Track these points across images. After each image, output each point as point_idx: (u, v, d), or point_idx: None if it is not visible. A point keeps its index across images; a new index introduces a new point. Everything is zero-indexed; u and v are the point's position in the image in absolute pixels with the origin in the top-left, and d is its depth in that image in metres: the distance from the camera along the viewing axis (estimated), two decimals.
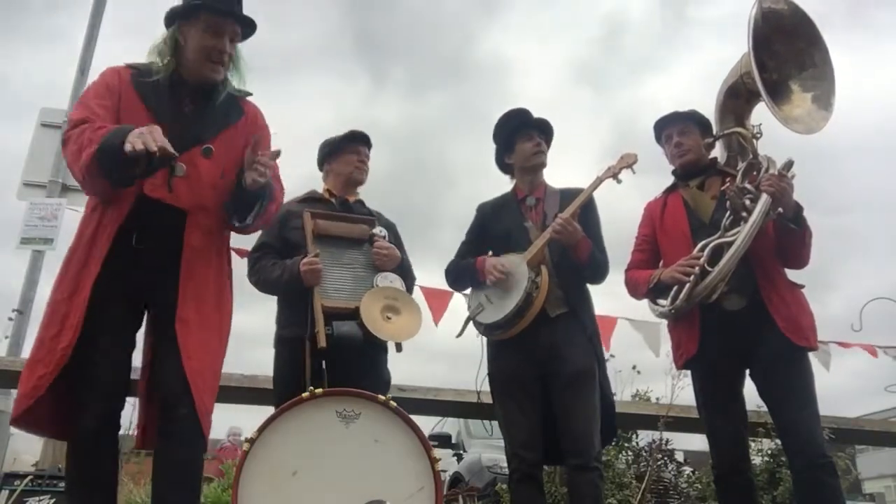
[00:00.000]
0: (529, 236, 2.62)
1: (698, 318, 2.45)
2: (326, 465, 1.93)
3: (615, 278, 2.72)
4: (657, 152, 2.76)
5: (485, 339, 2.66)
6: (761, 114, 2.60)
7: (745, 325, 2.38)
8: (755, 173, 2.48)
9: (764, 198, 2.33)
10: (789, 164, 2.42)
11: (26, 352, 4.14)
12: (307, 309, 2.38)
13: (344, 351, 2.31)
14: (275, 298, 2.65)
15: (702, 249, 2.41)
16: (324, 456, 1.94)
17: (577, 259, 2.53)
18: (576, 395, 2.42)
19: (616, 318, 5.19)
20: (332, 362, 2.30)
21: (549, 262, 2.56)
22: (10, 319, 4.29)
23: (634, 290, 2.65)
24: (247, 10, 2.15)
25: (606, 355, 4.53)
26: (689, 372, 2.64)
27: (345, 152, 2.76)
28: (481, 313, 2.60)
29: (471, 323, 2.65)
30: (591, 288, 2.69)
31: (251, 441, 1.90)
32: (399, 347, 2.49)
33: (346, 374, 2.22)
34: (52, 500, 2.78)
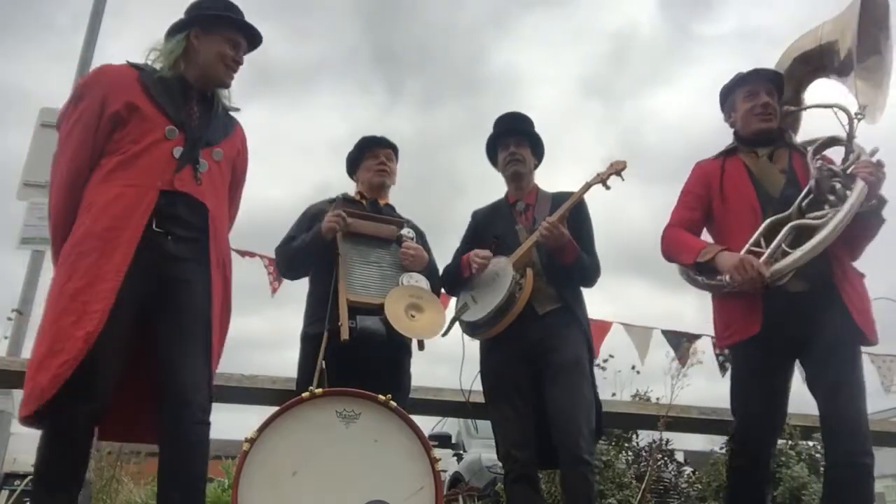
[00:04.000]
0: (519, 239, 2.64)
1: (760, 296, 2.24)
2: (326, 465, 1.93)
3: (615, 281, 2.71)
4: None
5: (470, 339, 2.67)
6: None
7: (806, 308, 2.24)
8: (820, 158, 2.35)
9: (860, 185, 2.18)
10: (874, 153, 2.30)
11: (26, 352, 4.14)
12: (333, 305, 2.40)
13: (366, 345, 2.34)
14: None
15: (771, 229, 2.25)
16: (324, 456, 1.94)
17: (563, 262, 2.55)
18: (565, 385, 2.41)
19: (611, 322, 5.25)
20: (354, 358, 2.30)
21: (539, 263, 2.59)
22: (10, 319, 4.28)
23: (675, 252, 2.44)
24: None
25: (605, 356, 4.57)
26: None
27: (364, 160, 2.84)
28: (466, 312, 2.62)
29: (457, 323, 2.67)
30: (589, 290, 2.70)
31: (251, 441, 1.90)
32: (421, 346, 2.54)
33: (366, 371, 2.23)
34: None
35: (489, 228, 2.76)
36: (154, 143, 2.00)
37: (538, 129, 2.86)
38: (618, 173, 2.58)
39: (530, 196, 2.77)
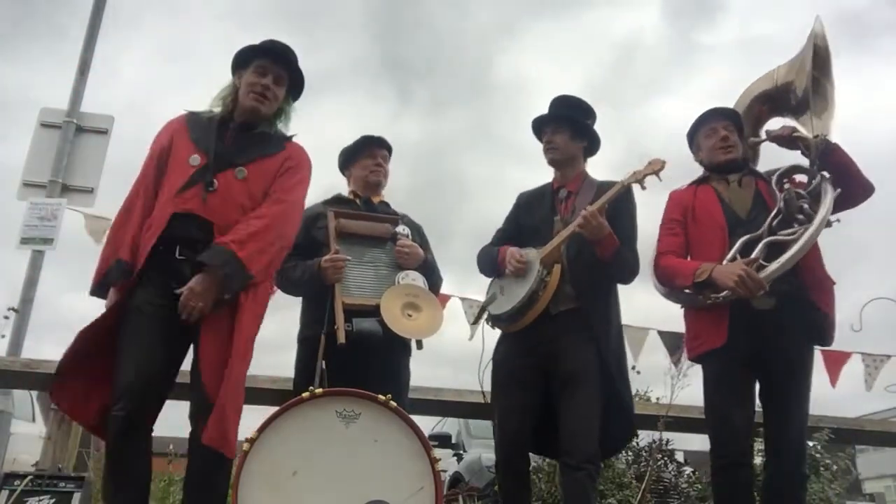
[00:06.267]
0: (553, 230, 2.56)
1: (727, 311, 2.43)
2: (326, 465, 1.93)
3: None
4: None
5: (488, 334, 2.64)
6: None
7: (770, 325, 2.40)
8: (794, 179, 2.58)
9: (825, 205, 2.41)
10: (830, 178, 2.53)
11: (26, 352, 4.15)
12: (329, 308, 2.40)
13: (364, 347, 2.33)
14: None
15: (746, 246, 2.44)
16: (324, 456, 1.94)
17: (601, 256, 2.45)
18: (571, 394, 2.39)
19: None
20: (352, 359, 2.30)
21: (564, 259, 2.51)
22: (6, 318, 4.28)
23: (672, 278, 2.58)
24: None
25: None
26: (689, 372, 2.65)
27: (360, 157, 2.83)
28: (493, 304, 2.59)
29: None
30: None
31: (251, 441, 1.90)
32: (419, 345, 2.51)
33: (364, 372, 2.22)
34: (52, 500, 2.78)
35: (528, 215, 2.70)
36: (179, 169, 2.22)
37: None
38: (655, 173, 2.46)
39: (574, 184, 2.66)
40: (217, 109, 2.38)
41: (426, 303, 2.48)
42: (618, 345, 2.56)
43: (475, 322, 2.66)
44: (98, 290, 2.21)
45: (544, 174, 2.81)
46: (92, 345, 2.12)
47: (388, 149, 2.87)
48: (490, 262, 2.66)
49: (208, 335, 2.11)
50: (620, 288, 2.62)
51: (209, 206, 2.17)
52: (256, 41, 2.42)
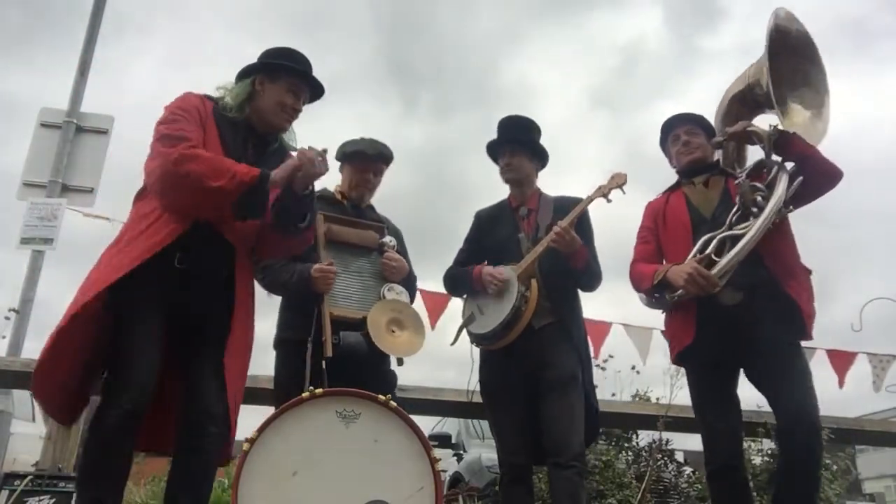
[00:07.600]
0: (521, 248, 2.66)
1: (694, 310, 2.46)
2: (326, 466, 1.93)
3: (616, 285, 2.74)
4: (667, 170, 2.78)
5: (476, 347, 2.72)
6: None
7: (742, 319, 2.39)
8: (765, 172, 2.54)
9: (776, 194, 2.39)
10: (793, 170, 2.48)
11: (26, 352, 4.15)
12: (311, 313, 2.39)
13: (348, 361, 2.33)
14: (271, 304, 2.65)
15: (706, 243, 2.45)
16: (324, 456, 1.94)
17: (574, 267, 2.58)
18: (559, 399, 2.47)
19: (611, 323, 5.28)
20: (336, 370, 2.29)
21: (538, 274, 2.60)
22: (7, 318, 4.29)
23: (640, 282, 2.64)
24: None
25: (605, 356, 4.57)
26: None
27: (348, 164, 2.76)
28: (473, 323, 2.66)
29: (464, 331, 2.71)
30: (590, 294, 2.74)
31: (251, 441, 1.90)
32: (400, 362, 2.50)
33: (350, 377, 2.21)
34: (52, 500, 2.78)
35: (492, 233, 2.79)
36: None
37: (548, 137, 2.88)
38: (619, 187, 2.63)
39: (532, 201, 2.79)
40: (229, 102, 2.26)
41: (410, 320, 2.48)
42: (587, 350, 2.70)
43: (453, 342, 2.72)
44: (255, 197, 2.05)
45: (545, 178, 2.90)
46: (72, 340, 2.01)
47: (386, 161, 2.77)
48: (465, 283, 2.75)
49: (232, 347, 2.14)
50: (618, 289, 2.70)
51: (232, 226, 2.15)
52: (267, 46, 2.36)
